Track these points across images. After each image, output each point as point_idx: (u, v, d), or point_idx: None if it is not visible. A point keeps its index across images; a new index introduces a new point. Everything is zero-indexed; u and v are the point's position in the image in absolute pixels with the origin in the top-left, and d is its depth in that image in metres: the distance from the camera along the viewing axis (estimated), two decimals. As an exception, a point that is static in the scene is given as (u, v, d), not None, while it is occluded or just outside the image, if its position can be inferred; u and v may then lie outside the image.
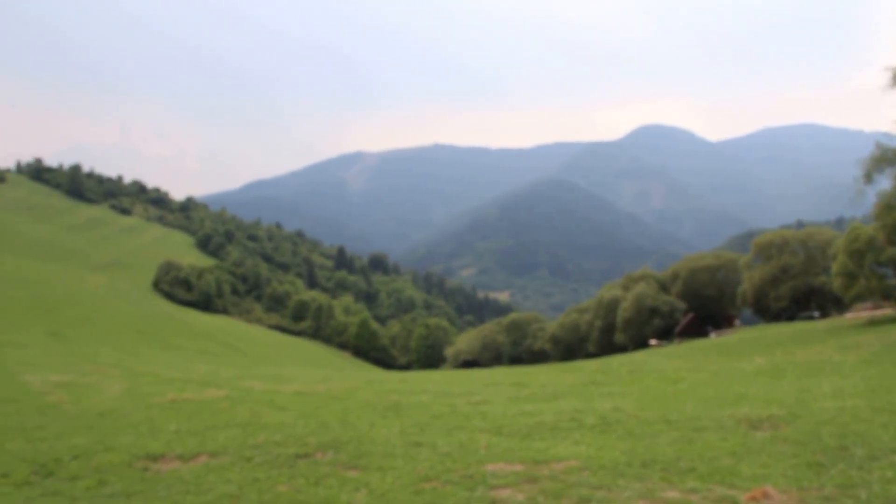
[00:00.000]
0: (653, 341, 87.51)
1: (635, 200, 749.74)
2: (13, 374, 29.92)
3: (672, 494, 8.97)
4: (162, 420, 16.47)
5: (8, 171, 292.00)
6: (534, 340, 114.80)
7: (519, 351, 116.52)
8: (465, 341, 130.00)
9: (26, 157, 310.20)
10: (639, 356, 53.48)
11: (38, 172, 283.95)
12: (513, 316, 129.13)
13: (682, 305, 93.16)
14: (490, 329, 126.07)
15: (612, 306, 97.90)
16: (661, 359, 46.98)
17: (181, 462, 12.02)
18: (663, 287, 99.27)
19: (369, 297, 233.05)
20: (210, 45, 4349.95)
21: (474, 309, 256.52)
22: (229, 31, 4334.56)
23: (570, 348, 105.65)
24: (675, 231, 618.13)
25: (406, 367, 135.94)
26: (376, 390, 21.80)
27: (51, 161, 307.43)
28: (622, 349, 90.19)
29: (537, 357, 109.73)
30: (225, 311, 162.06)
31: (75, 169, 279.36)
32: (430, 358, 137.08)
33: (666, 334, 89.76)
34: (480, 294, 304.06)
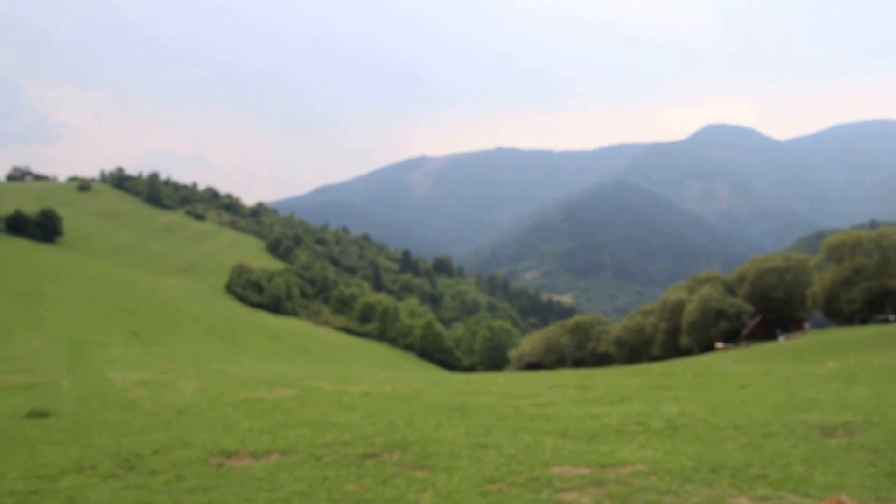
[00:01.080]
0: (719, 344, 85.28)
1: (700, 201, 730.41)
2: (98, 372, 31.29)
3: (742, 501, 8.79)
4: (235, 418, 16.95)
5: (93, 179, 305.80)
6: (598, 343, 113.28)
7: (583, 353, 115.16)
8: (528, 343, 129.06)
9: (109, 167, 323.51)
10: (705, 359, 52.22)
11: (119, 181, 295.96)
12: (576, 318, 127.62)
13: (749, 308, 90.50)
14: (554, 331, 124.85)
15: (676, 309, 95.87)
16: (727, 362, 45.77)
17: (254, 459, 12.35)
18: (729, 289, 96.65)
19: (434, 300, 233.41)
20: (276, 59, 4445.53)
21: (538, 311, 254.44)
22: (294, 46, 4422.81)
23: (635, 351, 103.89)
24: (741, 232, 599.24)
25: (470, 368, 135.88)
26: (441, 391, 21.93)
27: (131, 170, 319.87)
28: (687, 352, 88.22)
29: (601, 360, 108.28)
30: (294, 314, 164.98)
31: (154, 177, 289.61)
32: (494, 360, 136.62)
33: (732, 337, 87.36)
34: (544, 296, 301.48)
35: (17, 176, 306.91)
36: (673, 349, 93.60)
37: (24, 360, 36.49)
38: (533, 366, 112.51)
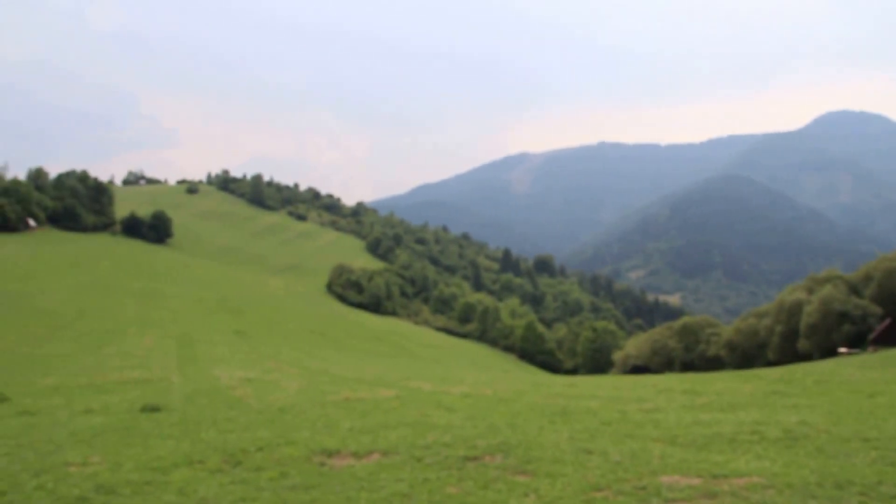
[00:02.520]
0: (842, 349, 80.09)
1: (819, 195, 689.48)
2: (206, 369, 32.64)
3: (874, 521, 8.09)
4: (337, 417, 17.18)
5: (200, 182, 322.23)
6: (707, 346, 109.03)
7: (691, 357, 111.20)
8: (633, 346, 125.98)
9: (216, 170, 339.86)
10: (826, 365, 49.14)
11: (225, 183, 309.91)
12: (685, 320, 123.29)
13: (876, 310, 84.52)
14: (660, 333, 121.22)
15: (794, 310, 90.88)
16: (852, 369, 42.79)
17: (355, 459, 12.42)
18: (854, 289, 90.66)
19: (535, 300, 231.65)
20: (374, 61, 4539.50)
21: (643, 312, 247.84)
22: (392, 48, 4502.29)
23: (748, 355, 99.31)
24: (867, 228, 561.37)
25: (572, 371, 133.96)
26: (543, 394, 21.52)
27: (236, 172, 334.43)
28: (806, 357, 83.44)
29: (711, 364, 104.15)
30: (394, 313, 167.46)
31: (257, 179, 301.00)
32: (598, 362, 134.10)
33: (858, 342, 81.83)
34: (650, 297, 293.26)
35: (132, 180, 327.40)
36: (790, 354, 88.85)
37: (137, 356, 38.58)
38: (638, 369, 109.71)
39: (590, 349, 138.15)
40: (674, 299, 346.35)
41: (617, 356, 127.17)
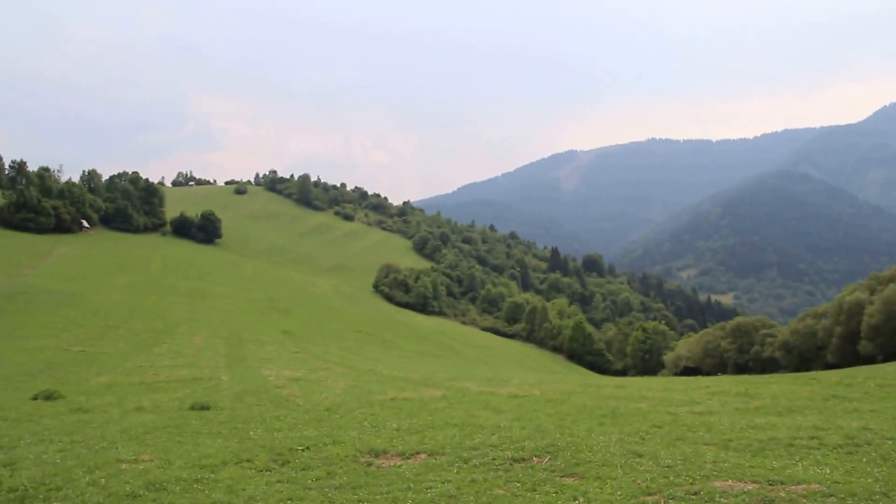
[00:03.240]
0: (907, 351, 77.37)
1: (883, 191, 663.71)
2: (254, 369, 33.10)
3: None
4: (383, 417, 17.20)
5: (248, 183, 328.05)
6: (762, 347, 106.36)
7: (745, 359, 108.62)
8: (685, 347, 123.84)
9: (263, 170, 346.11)
10: (890, 368, 47.35)
11: (272, 184, 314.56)
12: (738, 320, 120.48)
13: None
14: (713, 334, 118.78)
15: (855, 311, 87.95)
16: (918, 372, 41.28)
17: (401, 459, 12.42)
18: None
19: (583, 300, 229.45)
20: (420, 60, 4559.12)
21: (695, 312, 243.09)
22: (439, 45, 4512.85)
23: (805, 357, 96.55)
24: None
25: (622, 372, 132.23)
26: (592, 395, 21.19)
27: (283, 172, 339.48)
28: (868, 360, 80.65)
29: (766, 366, 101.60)
30: (441, 313, 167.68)
31: (304, 179, 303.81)
32: (648, 363, 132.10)
33: (923, 344, 78.92)
34: (702, 296, 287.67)
35: (182, 182, 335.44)
36: (850, 356, 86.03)
37: (187, 355, 39.28)
38: (690, 371, 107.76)
39: (640, 350, 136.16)
40: (727, 299, 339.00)
41: (668, 357, 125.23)
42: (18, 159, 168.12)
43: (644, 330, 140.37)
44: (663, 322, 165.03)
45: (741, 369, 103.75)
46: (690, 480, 10.14)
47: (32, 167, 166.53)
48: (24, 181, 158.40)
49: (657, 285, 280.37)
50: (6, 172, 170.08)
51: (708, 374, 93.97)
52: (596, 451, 12.29)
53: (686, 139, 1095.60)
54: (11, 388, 24.22)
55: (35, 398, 20.89)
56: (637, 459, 11.58)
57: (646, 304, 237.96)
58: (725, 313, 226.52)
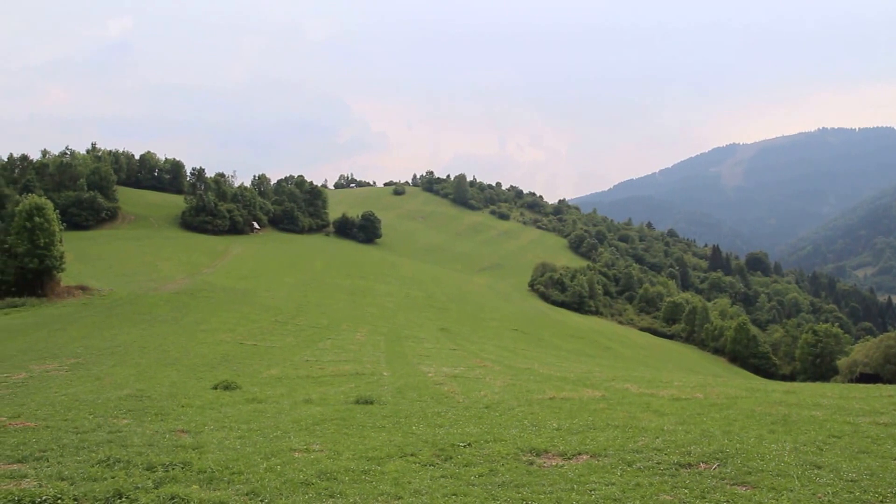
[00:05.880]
0: None
1: None
2: (413, 365, 33.90)
3: None
4: (543, 416, 17.04)
5: (406, 183, 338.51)
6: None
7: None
8: (862, 351, 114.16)
9: (420, 171, 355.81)
10: None
11: (429, 184, 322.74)
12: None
13: None
14: (894, 338, 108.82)
15: None
16: None
17: (563, 459, 12.28)
18: None
19: (747, 300, 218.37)
20: (571, 55, 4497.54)
21: (872, 315, 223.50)
22: (593, 39, 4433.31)
23: None
24: None
25: (789, 377, 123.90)
26: (760, 400, 19.87)
27: (440, 173, 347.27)
28: None
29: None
30: (597, 312, 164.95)
31: (460, 179, 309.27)
32: (819, 368, 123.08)
33: None
34: (881, 297, 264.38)
35: (343, 184, 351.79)
36: None
37: (350, 350, 40.78)
38: (867, 378, 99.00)
39: (810, 354, 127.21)
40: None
41: (842, 363, 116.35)
42: (198, 167, 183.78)
43: (814, 333, 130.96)
44: (836, 324, 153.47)
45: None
46: (880, 497, 9.37)
47: (210, 173, 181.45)
48: (203, 186, 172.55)
49: (829, 285, 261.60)
50: (188, 179, 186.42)
51: (889, 382, 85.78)
52: (768, 459, 11.66)
53: (862, 127, 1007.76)
54: (195, 377, 26.21)
55: (215, 388, 22.40)
56: (816, 471, 10.84)
57: (816, 305, 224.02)
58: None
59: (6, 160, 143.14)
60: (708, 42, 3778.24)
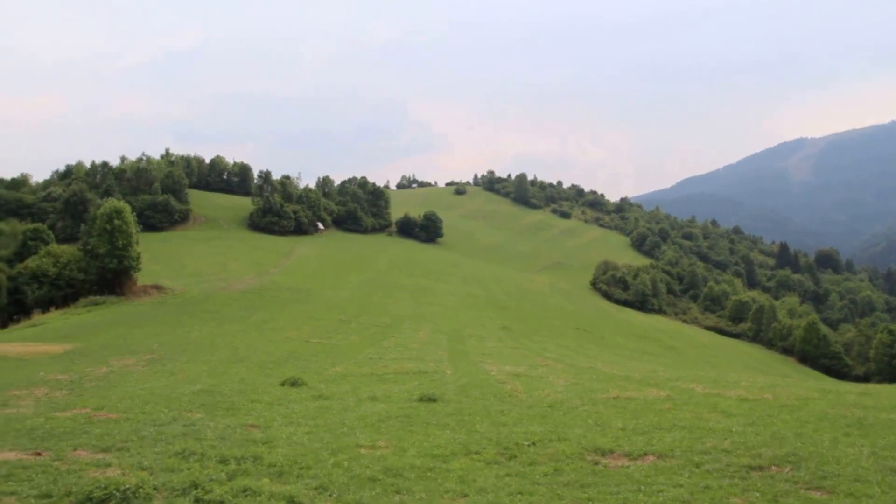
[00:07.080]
0: None
1: None
2: (476, 363, 33.95)
3: None
4: (608, 416, 16.92)
5: (467, 183, 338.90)
6: None
7: None
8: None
9: (481, 171, 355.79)
10: None
11: (490, 183, 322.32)
12: None
13: None
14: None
15: None
16: None
17: (629, 460, 12.20)
18: None
19: (817, 298, 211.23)
20: (634, 52, 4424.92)
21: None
22: (653, 34, 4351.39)
23: None
24: None
25: (863, 378, 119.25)
26: (833, 402, 19.26)
27: (501, 172, 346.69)
28: None
29: None
30: (660, 311, 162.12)
31: (521, 178, 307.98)
32: (895, 370, 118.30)
33: None
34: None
35: (405, 184, 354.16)
36: None
37: (413, 349, 41.03)
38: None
39: (886, 354, 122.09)
40: None
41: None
42: (265, 169, 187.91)
43: (890, 332, 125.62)
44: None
45: None
46: (966, 506, 9.00)
47: (276, 175, 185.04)
48: (269, 188, 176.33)
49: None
50: (255, 181, 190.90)
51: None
52: (844, 464, 11.34)
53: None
54: (263, 374, 26.88)
55: (283, 384, 22.87)
56: (896, 477, 10.48)
57: (891, 303, 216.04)
58: None
59: (89, 167, 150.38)
60: (773, 30, 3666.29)
